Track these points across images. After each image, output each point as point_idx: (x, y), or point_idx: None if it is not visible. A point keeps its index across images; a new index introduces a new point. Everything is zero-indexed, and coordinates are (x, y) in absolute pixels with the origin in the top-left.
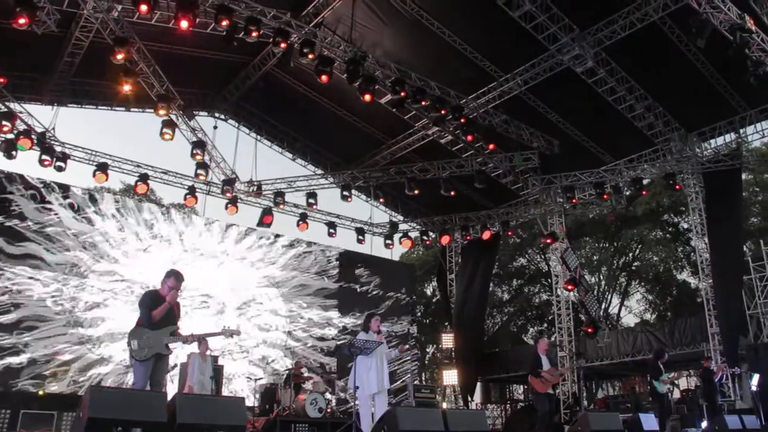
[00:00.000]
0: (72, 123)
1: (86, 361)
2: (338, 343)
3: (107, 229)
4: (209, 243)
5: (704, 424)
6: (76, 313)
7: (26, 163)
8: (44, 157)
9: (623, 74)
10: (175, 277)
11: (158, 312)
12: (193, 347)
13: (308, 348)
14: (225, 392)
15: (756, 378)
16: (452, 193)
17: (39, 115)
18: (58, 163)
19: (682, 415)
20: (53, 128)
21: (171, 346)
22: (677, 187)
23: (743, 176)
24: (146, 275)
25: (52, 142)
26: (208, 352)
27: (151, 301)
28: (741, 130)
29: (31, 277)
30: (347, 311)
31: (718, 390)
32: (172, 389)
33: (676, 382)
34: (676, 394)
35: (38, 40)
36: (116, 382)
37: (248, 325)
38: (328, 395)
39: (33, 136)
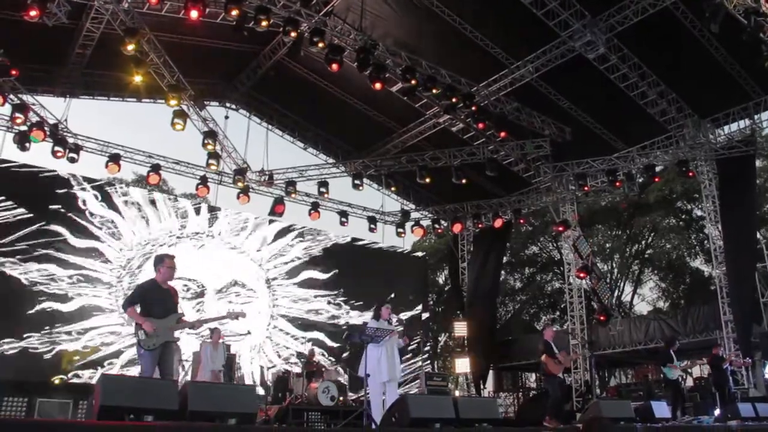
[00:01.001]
0: (85, 114)
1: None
2: (348, 332)
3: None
4: (230, 233)
5: (717, 412)
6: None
7: (39, 154)
8: (57, 148)
9: (635, 60)
10: (168, 258)
11: (132, 312)
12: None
13: (320, 337)
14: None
15: None
16: (464, 181)
17: (51, 106)
18: (71, 155)
19: (695, 403)
20: (66, 119)
21: (177, 332)
22: (690, 173)
23: (757, 163)
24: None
25: (65, 133)
26: (220, 341)
27: (139, 292)
28: (755, 116)
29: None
30: (356, 301)
31: (728, 377)
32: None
33: (689, 370)
34: (689, 382)
35: (49, 31)
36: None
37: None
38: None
39: (46, 128)
